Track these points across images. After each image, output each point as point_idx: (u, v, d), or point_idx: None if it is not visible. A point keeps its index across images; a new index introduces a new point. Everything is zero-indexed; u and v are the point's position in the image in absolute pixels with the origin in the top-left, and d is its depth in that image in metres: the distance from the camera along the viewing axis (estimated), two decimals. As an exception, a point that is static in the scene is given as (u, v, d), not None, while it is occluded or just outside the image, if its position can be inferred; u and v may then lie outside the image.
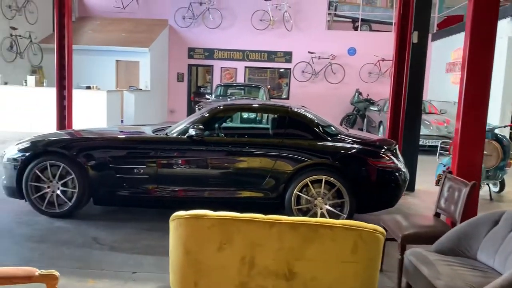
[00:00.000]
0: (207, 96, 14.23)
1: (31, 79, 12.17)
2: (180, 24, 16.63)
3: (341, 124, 15.65)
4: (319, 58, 16.31)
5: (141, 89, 14.56)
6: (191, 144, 4.81)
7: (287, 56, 16.70)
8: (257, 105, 5.63)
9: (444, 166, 6.32)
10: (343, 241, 2.63)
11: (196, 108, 12.00)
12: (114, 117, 12.22)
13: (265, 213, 4.94)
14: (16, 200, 5.15)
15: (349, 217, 4.67)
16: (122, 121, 13.20)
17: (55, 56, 7.11)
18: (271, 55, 16.74)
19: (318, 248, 2.61)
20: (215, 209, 5.06)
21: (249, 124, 6.41)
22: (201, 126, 4.75)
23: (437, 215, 3.82)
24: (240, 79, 16.93)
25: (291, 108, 5.14)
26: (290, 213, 4.68)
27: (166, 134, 5.05)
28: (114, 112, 12.28)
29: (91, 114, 11.24)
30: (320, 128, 4.96)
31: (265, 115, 6.20)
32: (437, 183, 6.29)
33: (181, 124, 5.30)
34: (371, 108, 13.77)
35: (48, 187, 4.84)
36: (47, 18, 15.64)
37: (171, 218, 2.89)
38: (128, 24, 16.58)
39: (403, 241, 3.39)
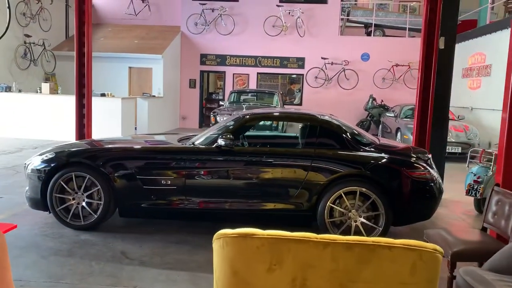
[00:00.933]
0: (220, 103, 14.12)
1: (45, 86, 12.13)
2: (192, 31, 16.58)
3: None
4: (332, 63, 16.19)
5: (154, 96, 14.50)
6: (220, 154, 4.67)
7: (300, 62, 16.58)
8: (287, 113, 5.48)
9: (475, 175, 6.12)
10: (402, 261, 2.46)
11: (212, 115, 11.90)
12: (128, 124, 12.14)
13: (296, 226, 4.81)
14: (39, 212, 5.04)
15: (385, 230, 4.50)
16: (135, 128, 13.12)
17: (75, 64, 7.02)
18: (283, 61, 16.63)
19: (375, 270, 2.44)
20: (244, 221, 4.93)
21: (270, 132, 6.23)
22: (230, 136, 4.61)
23: (484, 229, 3.65)
24: (253, 85, 16.84)
25: (321, 117, 4.99)
26: (323, 227, 4.52)
27: (193, 144, 4.92)
28: (129, 119, 12.20)
29: (106, 121, 11.16)
30: (353, 137, 4.80)
31: (290, 123, 6.00)
32: (468, 192, 6.09)
33: (207, 134, 5.17)
34: (387, 114, 13.57)
35: (73, 198, 4.72)
36: (60, 25, 15.66)
37: (215, 236, 2.72)
38: (140, 30, 16.56)
39: (453, 259, 3.22)
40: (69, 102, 11.87)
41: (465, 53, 13.59)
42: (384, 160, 4.65)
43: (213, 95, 18.98)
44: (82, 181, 4.71)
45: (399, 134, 11.91)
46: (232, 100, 13.44)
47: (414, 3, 17.81)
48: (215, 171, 4.70)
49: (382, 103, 15.58)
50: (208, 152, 4.70)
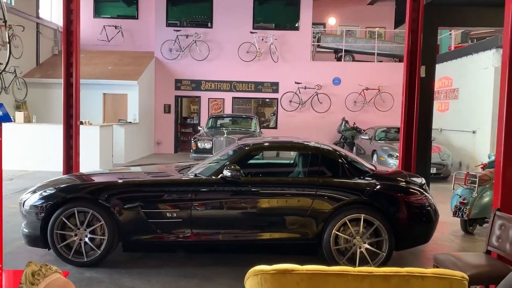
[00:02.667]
0: (199, 128, 14.14)
1: (19, 115, 11.79)
2: (166, 56, 16.62)
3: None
4: (305, 88, 16.58)
5: (130, 122, 14.34)
6: (226, 185, 4.72)
7: (274, 86, 16.89)
8: (289, 143, 5.59)
9: (460, 197, 6.42)
10: (434, 290, 2.60)
11: (192, 141, 11.89)
12: (105, 152, 11.93)
13: (302, 255, 4.88)
14: (35, 249, 4.90)
15: (389, 255, 4.65)
16: (112, 156, 12.88)
17: (63, 95, 6.93)
18: (258, 86, 16.90)
19: (411, 299, 2.57)
20: (251, 252, 4.96)
21: (270, 160, 6.33)
22: (237, 167, 4.67)
23: (488, 252, 3.85)
24: (228, 109, 16.96)
25: (322, 146, 5.14)
26: (329, 254, 4.62)
27: (196, 175, 4.95)
28: (106, 147, 11.99)
29: (84, 150, 10.87)
30: (353, 165, 4.97)
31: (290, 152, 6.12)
32: (455, 214, 6.37)
33: (208, 164, 5.21)
34: (361, 136, 13.99)
35: (75, 235, 4.62)
36: (31, 52, 15.33)
37: (251, 273, 2.76)
38: (114, 57, 16.44)
39: (468, 283, 3.37)
40: (44, 130, 11.61)
41: (432, 77, 14.25)
42: (384, 186, 4.82)
43: (188, 119, 18.96)
44: (84, 217, 4.62)
45: (375, 156, 12.27)
46: (210, 125, 13.48)
47: (378, 28, 18.60)
48: (221, 202, 4.73)
49: (355, 125, 16.05)
50: (214, 184, 4.74)
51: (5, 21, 4.30)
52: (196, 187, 4.72)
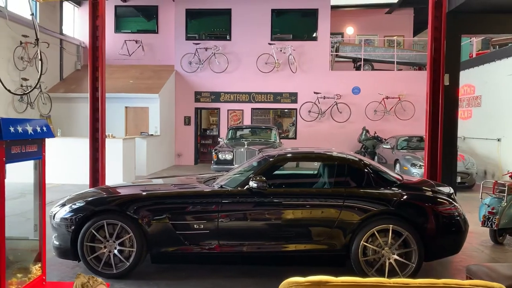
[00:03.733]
0: (219, 139, 14.21)
1: (44, 129, 12.05)
2: (186, 69, 16.84)
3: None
4: (324, 98, 16.55)
5: (152, 135, 14.53)
6: (252, 196, 4.73)
7: (293, 97, 16.92)
8: (314, 154, 5.59)
9: (488, 206, 6.29)
10: (472, 302, 2.56)
11: (213, 153, 11.96)
12: (129, 164, 12.09)
13: (329, 267, 4.85)
14: (64, 261, 4.98)
15: (418, 266, 4.58)
16: (135, 168, 13.04)
17: (89, 109, 7.09)
18: (277, 96, 16.95)
19: (448, 311, 2.52)
20: (278, 264, 4.94)
21: (292, 171, 6.33)
22: (263, 178, 4.69)
23: (522, 263, 3.76)
24: (247, 120, 17.04)
25: (348, 156, 5.12)
26: (357, 266, 4.57)
27: (221, 186, 4.98)
28: (129, 159, 12.16)
29: (108, 162, 11.06)
30: (380, 175, 4.93)
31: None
32: (484, 224, 6.24)
33: (232, 175, 5.24)
34: (383, 146, 13.87)
35: (105, 247, 4.68)
36: (55, 67, 15.73)
37: (284, 285, 2.74)
38: (135, 70, 16.74)
39: (504, 294, 3.30)
40: (70, 144, 11.84)
41: (453, 84, 14.09)
42: (412, 196, 4.77)
43: (207, 131, 19.10)
44: (113, 229, 4.69)
45: (398, 165, 12.14)
46: (230, 136, 13.55)
47: (397, 37, 18.51)
48: (248, 213, 4.74)
49: (376, 134, 15.94)
50: (240, 195, 4.76)
51: (37, 39, 4.43)
52: (222, 198, 4.75)
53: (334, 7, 17.47)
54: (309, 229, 4.68)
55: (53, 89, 15.29)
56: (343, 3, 18.14)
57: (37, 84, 5.10)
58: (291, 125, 17.62)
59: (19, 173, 11.51)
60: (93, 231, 4.67)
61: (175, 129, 17.17)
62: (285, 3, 16.92)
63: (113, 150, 11.44)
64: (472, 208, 7.73)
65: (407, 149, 12.66)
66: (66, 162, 11.42)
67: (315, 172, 5.96)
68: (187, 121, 17.20)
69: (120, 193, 5.25)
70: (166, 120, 16.01)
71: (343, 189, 4.76)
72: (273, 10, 16.96)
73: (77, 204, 4.85)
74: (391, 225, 4.55)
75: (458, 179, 11.11)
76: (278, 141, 13.14)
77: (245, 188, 4.77)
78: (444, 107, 6.83)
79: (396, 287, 2.60)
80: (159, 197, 4.87)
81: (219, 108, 17.23)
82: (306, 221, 4.70)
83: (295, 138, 17.07)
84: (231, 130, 13.91)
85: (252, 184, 4.70)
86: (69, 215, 4.78)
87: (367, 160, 5.17)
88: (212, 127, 19.39)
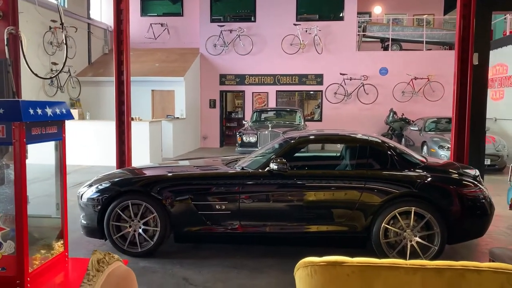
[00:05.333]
0: (243, 122, 14.26)
1: (74, 112, 12.36)
2: (211, 52, 16.86)
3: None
4: (350, 79, 16.31)
5: (177, 118, 14.70)
6: (273, 178, 4.76)
7: (319, 78, 16.73)
8: (335, 135, 5.56)
9: (517, 189, 6.13)
10: (490, 285, 2.51)
11: (238, 135, 12.03)
12: (155, 147, 12.31)
13: (350, 248, 4.86)
14: (91, 239, 5.16)
15: (441, 249, 4.53)
16: (161, 150, 13.27)
17: (115, 92, 7.22)
18: (302, 78, 16.80)
19: (466, 293, 2.50)
20: (298, 244, 4.98)
21: (315, 153, 6.31)
22: (284, 160, 4.71)
23: (549, 247, 3.66)
24: (272, 103, 17.00)
25: (370, 138, 5.07)
26: (379, 248, 4.56)
27: (242, 168, 5.02)
28: (156, 142, 12.37)
29: (135, 145, 11.28)
30: (403, 157, 4.87)
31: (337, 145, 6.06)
32: (511, 207, 6.10)
33: (254, 157, 5.27)
34: (410, 128, 13.60)
35: (130, 226, 4.82)
36: (83, 52, 16.03)
37: (301, 264, 2.78)
38: (160, 54, 16.87)
39: (527, 278, 3.23)
40: (97, 127, 12.13)
41: (485, 64, 13.61)
42: (435, 179, 4.69)
43: (232, 114, 19.17)
44: (137, 209, 4.82)
45: (425, 147, 11.91)
46: (254, 119, 13.58)
47: (427, 16, 17.96)
48: (268, 195, 4.78)
49: (403, 116, 15.62)
50: (261, 177, 4.79)
51: (62, 24, 4.52)
52: (243, 180, 4.79)
53: (361, -14, 17.05)
54: (330, 211, 4.69)
55: (81, 73, 15.62)
56: (370, -19, 17.67)
57: (62, 68, 5.23)
58: (316, 107, 17.47)
59: (50, 156, 11.88)
60: (118, 211, 4.81)
61: (201, 112, 17.31)
62: (311, -17, 16.63)
63: (140, 132, 11.66)
64: (501, 191, 7.54)
65: (435, 131, 12.38)
66: (95, 145, 11.71)
67: (338, 154, 5.93)
68: (212, 104, 17.30)
69: (145, 174, 5.37)
70: (192, 103, 16.14)
71: (364, 171, 4.73)
72: (298, -10, 16.70)
73: (103, 185, 5.00)
74: (413, 207, 4.50)
75: (488, 161, 10.84)
76: (302, 123, 13.08)
77: (266, 170, 4.80)
78: (472, 87, 6.62)
79: (412, 268, 2.59)
80: (182, 179, 4.96)
81: (243, 91, 17.24)
82: (327, 202, 4.70)
83: (320, 120, 16.95)
84: (255, 113, 13.92)
85: (273, 166, 4.72)
86: (95, 196, 4.93)
87: (390, 142, 5.10)
88: (237, 109, 19.46)
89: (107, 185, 4.96)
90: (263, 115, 13.98)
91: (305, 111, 17.99)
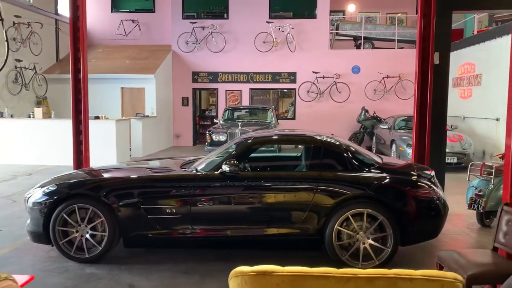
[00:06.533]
0: (215, 120, 14.09)
1: (38, 111, 12.03)
2: (183, 49, 16.62)
3: (349, 143, 15.53)
4: (323, 77, 16.29)
5: (147, 116, 14.44)
6: (225, 180, 4.64)
7: (292, 76, 16.68)
8: (290, 136, 5.46)
9: (476, 188, 6.15)
10: (423, 293, 2.45)
11: (207, 134, 11.87)
12: (122, 146, 12.05)
13: (304, 250, 4.78)
14: (40, 245, 4.96)
15: (393, 251, 4.48)
16: (130, 149, 13.02)
17: (71, 90, 6.97)
18: (275, 76, 16.72)
19: (398, 302, 2.43)
20: (251, 248, 4.88)
21: (273, 153, 6.20)
22: (235, 162, 4.59)
23: (495, 249, 3.64)
24: (245, 101, 16.87)
25: (324, 138, 4.99)
26: (332, 250, 4.49)
27: (196, 170, 4.88)
28: (123, 141, 12.11)
29: (101, 145, 11.05)
30: (356, 158, 4.80)
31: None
32: (470, 206, 6.11)
33: (210, 159, 5.14)
34: (380, 126, 13.67)
35: (77, 231, 4.64)
36: (50, 48, 15.60)
37: (232, 274, 2.67)
38: (131, 51, 16.56)
39: (469, 282, 3.20)
40: (63, 126, 11.77)
41: (454, 63, 13.72)
42: (389, 180, 4.65)
43: (206, 112, 18.98)
44: (85, 213, 4.63)
45: (394, 146, 11.97)
46: (226, 117, 13.42)
47: (400, 14, 18.07)
48: (220, 198, 4.66)
49: (375, 114, 15.70)
50: (212, 179, 4.67)
51: (1, 19, 4.29)
52: (195, 182, 4.66)
53: (334, -16, 17.04)
54: (283, 213, 4.60)
55: (49, 70, 15.20)
56: (343, -21, 17.66)
57: (3, 65, 4.96)
58: (290, 105, 17.42)
59: (14, 156, 11.52)
60: (64, 215, 4.62)
61: (173, 110, 17.06)
62: (284, -20, 16.53)
63: (106, 132, 11.40)
64: (465, 190, 7.58)
65: (404, 129, 12.45)
66: (60, 144, 11.38)
67: (298, 154, 5.84)
68: (185, 102, 17.07)
69: (95, 176, 5.19)
70: (163, 101, 15.89)
71: (316, 172, 4.64)
72: (271, -13, 16.59)
73: (49, 188, 4.79)
74: (365, 209, 4.44)
75: (455, 160, 10.96)
76: (274, 121, 12.98)
77: (218, 172, 4.68)
78: (433, 87, 6.61)
79: (344, 277, 2.50)
80: (129, 181, 4.80)
81: (217, 89, 17.06)
82: (279, 205, 4.61)
83: (294, 118, 16.90)
84: (227, 111, 13.77)
85: (225, 168, 4.60)
86: (41, 199, 4.73)
87: (345, 142, 5.03)
88: (211, 107, 19.26)
89: (53, 188, 4.76)
90: (236, 113, 13.84)
91: (280, 109, 17.95)
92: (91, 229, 4.63)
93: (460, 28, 16.55)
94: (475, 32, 14.20)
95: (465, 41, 13.77)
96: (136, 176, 4.97)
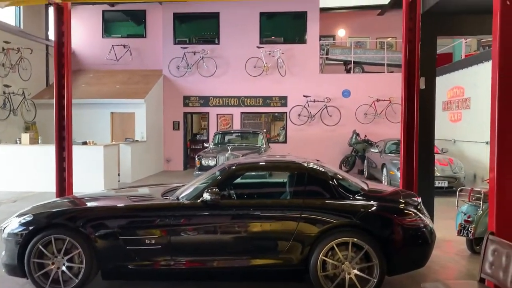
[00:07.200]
0: (205, 144, 14.00)
1: (25, 137, 11.89)
2: (174, 74, 16.66)
3: (340, 167, 15.49)
4: (314, 101, 16.33)
5: (137, 141, 14.33)
6: (206, 209, 4.52)
7: (283, 100, 16.71)
8: (273, 162, 5.37)
9: (465, 214, 6.06)
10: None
11: (196, 159, 11.76)
12: (111, 172, 11.89)
13: (288, 281, 4.63)
14: (14, 278, 4.77)
15: (380, 281, 4.34)
16: (119, 175, 12.86)
17: (55, 117, 6.89)
18: (266, 100, 16.75)
19: None
20: (234, 279, 4.71)
21: (262, 179, 6.09)
22: (216, 190, 4.47)
23: (481, 280, 3.53)
24: (237, 124, 16.85)
25: (308, 165, 4.90)
26: (316, 281, 4.34)
27: (177, 198, 4.76)
28: (111, 167, 11.96)
29: (88, 171, 10.92)
30: (341, 185, 4.71)
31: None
32: (459, 233, 6.01)
33: (192, 186, 5.02)
34: (371, 149, 13.64)
35: (53, 263, 4.47)
36: (40, 73, 15.58)
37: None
38: (122, 75, 16.57)
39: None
40: (49, 152, 11.62)
41: (443, 86, 13.86)
42: (374, 208, 4.54)
43: (197, 136, 18.91)
44: (62, 244, 4.48)
45: (385, 170, 11.90)
46: (216, 141, 13.35)
47: (389, 39, 18.30)
48: (202, 227, 4.52)
49: (366, 138, 15.70)
50: (194, 208, 4.54)
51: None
52: (175, 212, 4.53)
53: (324, 10, 17.25)
54: (265, 243, 4.47)
55: (38, 95, 15.13)
56: (333, 5, 17.91)
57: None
58: (281, 129, 17.40)
59: (1, 182, 11.28)
60: (40, 246, 4.46)
61: (164, 134, 16.98)
62: (274, 6, 16.73)
63: (94, 157, 11.26)
64: (455, 214, 7.49)
65: (395, 153, 12.40)
66: (46, 170, 11.18)
67: (284, 180, 5.73)
68: (176, 126, 17.00)
69: (77, 205, 5.05)
70: (153, 125, 15.81)
71: (301, 200, 4.53)
72: (261, 13, 16.78)
73: (26, 218, 4.65)
74: (350, 238, 4.32)
75: (446, 184, 10.89)
76: (265, 145, 12.91)
77: (199, 200, 4.56)
78: (420, 111, 6.60)
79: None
80: (107, 211, 4.67)
81: (208, 113, 17.04)
82: (261, 234, 4.48)
83: (285, 142, 16.85)
84: (218, 135, 13.71)
85: (206, 196, 4.49)
86: (17, 230, 4.58)
87: (328, 168, 4.94)
88: (203, 131, 19.20)
89: (30, 218, 4.61)
90: (227, 137, 13.77)
91: (271, 132, 17.92)
92: (68, 260, 4.47)
93: (449, 52, 16.76)
94: (463, 56, 14.36)
95: (454, 65, 13.90)
96: (114, 205, 4.84)
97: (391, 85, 16.05)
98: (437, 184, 10.80)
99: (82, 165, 10.47)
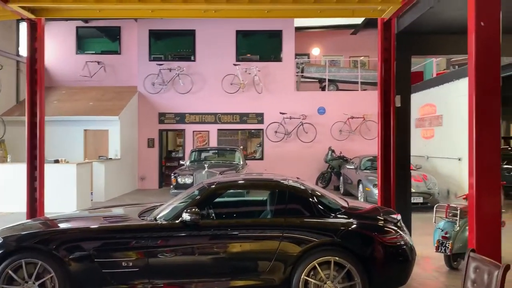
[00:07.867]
0: (181, 162, 13.83)
1: (-7, 155, 11.47)
2: (149, 90, 16.50)
3: (316, 183, 15.55)
4: (290, 118, 16.43)
5: (111, 159, 14.03)
6: (185, 230, 4.41)
7: (259, 117, 16.75)
8: (254, 181, 5.31)
9: (442, 230, 6.13)
10: None
11: (172, 177, 11.58)
12: (83, 191, 11.57)
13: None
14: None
15: (362, 300, 4.30)
16: (91, 193, 12.52)
17: (26, 135, 6.66)
18: (243, 117, 16.75)
19: None
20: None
21: (240, 197, 6.01)
22: (196, 210, 4.38)
23: (464, 298, 3.53)
24: (213, 141, 16.75)
25: (288, 182, 4.87)
26: (299, 301, 4.27)
27: (155, 218, 4.63)
28: (84, 185, 11.64)
29: (60, 189, 10.60)
30: (322, 203, 4.68)
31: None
32: (437, 249, 6.06)
33: (170, 206, 4.91)
34: (347, 166, 13.76)
35: (23, 289, 4.26)
36: (10, 90, 15.15)
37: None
38: (96, 92, 16.29)
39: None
40: (19, 170, 11.24)
41: (416, 104, 14.17)
42: (354, 226, 4.53)
43: (173, 153, 18.68)
44: (33, 268, 4.28)
45: (360, 186, 12.00)
46: (193, 159, 13.21)
47: (362, 57, 18.68)
48: (180, 249, 4.40)
49: (341, 154, 15.86)
50: (172, 229, 4.43)
51: None
52: (153, 233, 4.40)
53: (299, 29, 17.51)
54: (246, 263, 4.38)
55: (7, 112, 14.69)
56: (308, 24, 18.20)
57: None
58: (258, 145, 17.40)
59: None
60: (10, 271, 4.25)
61: (139, 151, 16.70)
62: (250, 25, 16.85)
63: (66, 176, 10.96)
64: (433, 230, 7.56)
65: (370, 169, 12.55)
66: (16, 189, 10.80)
67: (264, 198, 5.67)
68: (150, 143, 16.76)
69: (49, 227, 4.84)
70: (128, 143, 15.54)
71: (282, 218, 4.48)
72: (237, 31, 16.88)
73: (-6, 241, 4.42)
74: (332, 257, 4.29)
75: (421, 200, 11.06)
76: (242, 162, 12.85)
77: (178, 221, 4.45)
78: (396, 128, 6.70)
79: None
80: (81, 232, 4.49)
81: (184, 130, 16.89)
82: (243, 254, 4.39)
83: (262, 159, 16.84)
84: (194, 152, 13.58)
85: (186, 216, 4.38)
86: (-16, 255, 4.34)
87: (309, 186, 4.92)
88: (179, 149, 18.99)
89: (-2, 242, 4.39)
90: (203, 155, 13.65)
91: (248, 149, 17.88)
92: (40, 286, 4.26)
93: (420, 71, 17.23)
94: (434, 75, 14.77)
95: (426, 83, 14.27)
96: (89, 226, 4.67)
97: (365, 103, 16.34)
98: (413, 200, 10.91)
99: (54, 184, 10.17)
